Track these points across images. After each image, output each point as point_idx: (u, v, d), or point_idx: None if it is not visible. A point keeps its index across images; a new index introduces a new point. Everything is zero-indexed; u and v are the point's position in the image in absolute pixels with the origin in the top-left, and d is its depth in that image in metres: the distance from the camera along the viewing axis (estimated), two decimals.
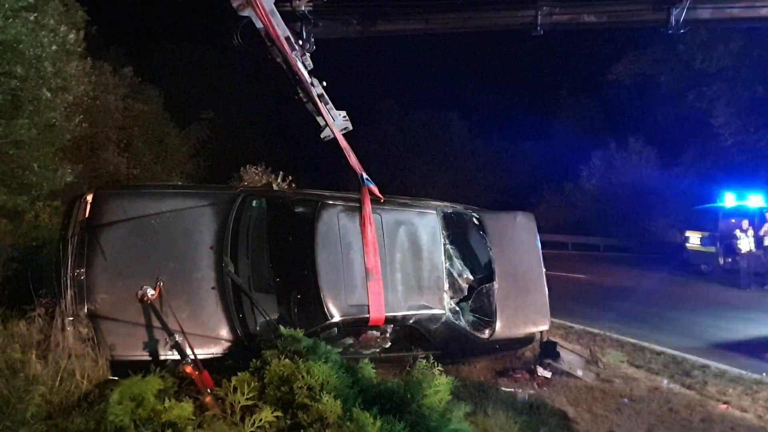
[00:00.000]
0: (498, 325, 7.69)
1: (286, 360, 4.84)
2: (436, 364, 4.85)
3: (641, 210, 31.83)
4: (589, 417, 6.84)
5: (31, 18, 8.85)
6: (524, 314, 8.06)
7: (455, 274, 7.93)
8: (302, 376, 4.64)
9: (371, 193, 7.28)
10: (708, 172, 29.13)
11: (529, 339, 8.36)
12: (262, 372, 4.85)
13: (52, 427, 4.54)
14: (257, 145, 37.54)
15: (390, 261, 7.10)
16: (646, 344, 10.21)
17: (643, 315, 13.07)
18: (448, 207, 8.25)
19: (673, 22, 5.25)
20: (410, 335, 7.51)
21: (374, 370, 5.27)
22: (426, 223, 7.60)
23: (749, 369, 8.90)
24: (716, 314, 13.22)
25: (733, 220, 18.93)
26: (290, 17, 5.82)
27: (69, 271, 6.05)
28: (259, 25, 5.62)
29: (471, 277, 8.18)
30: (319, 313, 6.60)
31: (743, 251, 17.50)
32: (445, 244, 7.74)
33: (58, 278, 6.07)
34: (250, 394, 4.50)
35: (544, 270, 8.40)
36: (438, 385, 4.55)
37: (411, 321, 7.14)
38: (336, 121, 6.84)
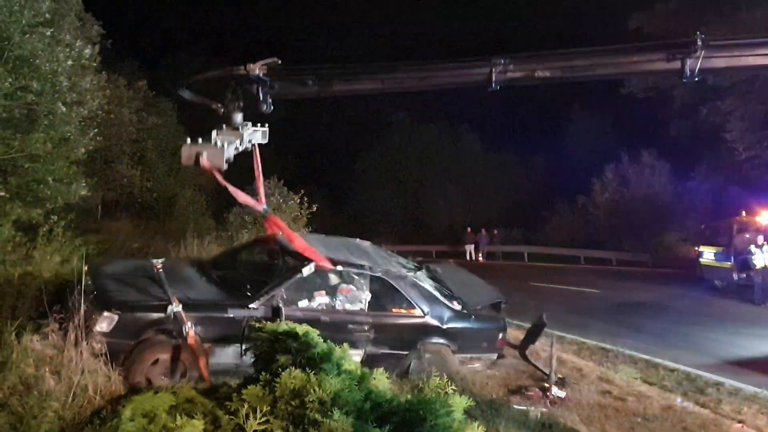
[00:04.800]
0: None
1: (298, 372, 4.81)
2: (449, 383, 4.82)
3: (654, 224, 31.68)
4: None
5: (48, 33, 8.94)
6: None
7: None
8: (314, 390, 4.62)
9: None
10: (722, 186, 28.98)
11: None
12: (273, 385, 4.83)
13: None
14: (268, 156, 37.66)
15: None
16: (659, 361, 10.14)
17: (657, 330, 12.98)
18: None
19: (688, 72, 5.26)
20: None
21: (388, 381, 5.26)
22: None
23: (765, 387, 8.82)
24: (730, 330, 13.12)
25: (747, 236, 18.80)
26: (246, 80, 5.91)
27: None
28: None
29: None
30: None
31: (758, 267, 17.36)
32: None
33: None
34: (263, 418, 4.48)
35: None
36: (452, 404, 4.52)
37: None
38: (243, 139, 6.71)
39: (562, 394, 7.81)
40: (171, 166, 23.15)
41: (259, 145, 6.69)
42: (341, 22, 64.54)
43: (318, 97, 6.50)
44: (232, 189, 6.43)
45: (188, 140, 5.93)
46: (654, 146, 34.80)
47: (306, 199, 16.94)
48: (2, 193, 8.89)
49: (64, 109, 9.36)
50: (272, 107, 6.07)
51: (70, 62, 9.51)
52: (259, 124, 6.44)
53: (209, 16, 70.45)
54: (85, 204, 13.91)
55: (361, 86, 6.34)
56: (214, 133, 5.92)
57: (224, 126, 6.01)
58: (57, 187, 9.63)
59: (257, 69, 5.81)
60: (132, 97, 20.90)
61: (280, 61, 5.92)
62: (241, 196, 6.79)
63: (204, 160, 5.69)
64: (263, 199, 7.39)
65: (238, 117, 6.04)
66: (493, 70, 5.59)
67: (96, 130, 11.42)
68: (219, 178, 6.00)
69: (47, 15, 8.96)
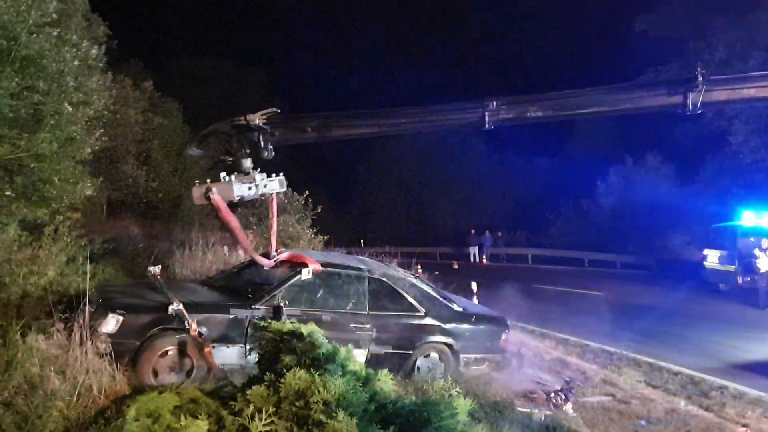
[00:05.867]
0: None
1: (302, 372, 4.82)
2: (453, 384, 4.83)
3: (658, 227, 31.59)
4: None
5: (54, 33, 8.94)
6: None
7: None
8: (318, 391, 4.62)
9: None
10: (726, 189, 28.89)
11: None
12: (277, 385, 4.84)
13: None
14: (274, 158, 37.68)
15: None
16: (663, 364, 10.11)
17: (661, 333, 12.95)
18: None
19: (690, 106, 5.30)
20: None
21: (393, 383, 5.28)
22: None
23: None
24: (734, 334, 13.08)
25: (752, 239, 18.75)
26: (246, 129, 6.07)
27: None
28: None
29: None
30: None
31: (762, 270, 17.30)
32: None
33: None
34: (268, 420, 4.49)
35: None
36: (456, 406, 4.53)
37: None
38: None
39: (573, 412, 7.66)
40: (176, 166, 23.18)
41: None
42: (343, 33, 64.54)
43: (316, 142, 6.71)
44: (238, 230, 6.57)
45: (197, 182, 6.20)
46: (658, 149, 34.75)
47: (311, 200, 16.94)
48: (8, 193, 8.90)
49: (70, 109, 9.36)
50: (273, 153, 6.24)
51: (76, 62, 9.52)
52: (274, 174, 6.54)
53: (215, 16, 70.57)
54: (90, 204, 13.94)
55: (359, 131, 6.51)
56: (223, 173, 6.15)
57: (235, 174, 6.17)
58: (63, 186, 9.64)
59: (257, 119, 5.99)
60: (138, 97, 20.92)
61: (279, 111, 6.08)
62: (244, 241, 7.04)
63: (214, 195, 5.92)
64: (274, 246, 7.60)
65: (247, 162, 6.20)
66: (486, 112, 5.68)
67: (102, 130, 11.42)
68: (228, 217, 6.17)
69: (54, 15, 8.97)
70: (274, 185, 6.46)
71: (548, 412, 7.29)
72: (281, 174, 6.51)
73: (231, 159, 6.19)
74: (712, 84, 5.25)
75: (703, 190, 31.41)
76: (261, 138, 6.07)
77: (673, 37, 28.87)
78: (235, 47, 57.71)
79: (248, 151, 6.16)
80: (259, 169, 6.26)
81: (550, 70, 46.61)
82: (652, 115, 33.76)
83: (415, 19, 66.32)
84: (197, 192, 6.03)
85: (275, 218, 7.26)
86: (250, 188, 6.13)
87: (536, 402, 7.72)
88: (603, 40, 41.52)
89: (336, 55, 64.95)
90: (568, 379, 8.57)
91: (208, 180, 6.10)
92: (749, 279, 18.35)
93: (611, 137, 40.66)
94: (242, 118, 6.00)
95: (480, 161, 47.20)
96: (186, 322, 6.71)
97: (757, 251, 17.55)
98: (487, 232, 35.71)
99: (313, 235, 16.02)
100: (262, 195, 6.40)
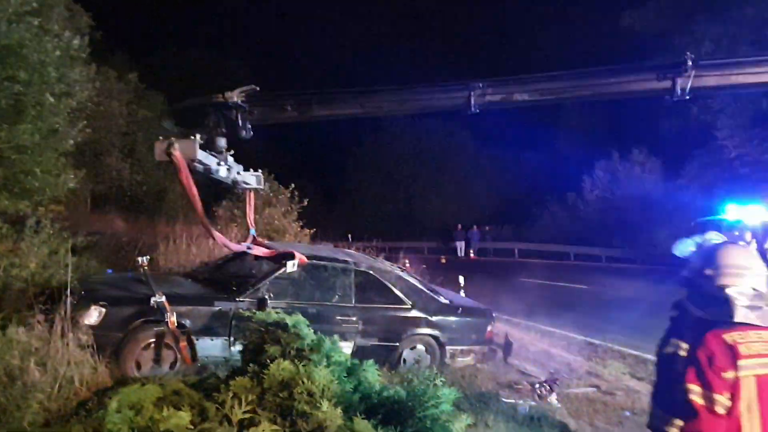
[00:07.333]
0: None
1: (287, 363, 4.79)
2: (438, 375, 4.81)
3: (644, 221, 31.73)
4: (590, 430, 6.80)
5: (35, 23, 8.83)
6: None
7: None
8: (302, 381, 4.59)
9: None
10: (712, 184, 29.06)
11: None
12: (261, 376, 4.81)
13: None
14: (258, 149, 37.55)
15: None
16: (648, 356, 10.13)
17: (646, 326, 12.89)
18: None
19: (679, 92, 5.23)
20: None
21: (378, 375, 5.25)
22: None
23: None
24: None
25: (735, 233, 18.83)
26: (224, 106, 5.85)
27: None
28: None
29: None
30: None
31: None
32: None
33: None
34: (249, 407, 4.45)
35: None
36: (441, 396, 4.51)
37: None
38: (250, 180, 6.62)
39: (558, 404, 7.67)
40: None
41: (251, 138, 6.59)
42: (331, 22, 64.32)
43: (298, 122, 6.50)
44: (196, 198, 6.17)
45: (161, 138, 5.80)
46: (644, 144, 34.89)
47: (297, 193, 16.87)
48: None
49: (52, 100, 9.27)
50: (252, 132, 6.02)
51: (58, 53, 9.42)
52: (251, 169, 6.41)
53: (201, 8, 70.13)
54: (74, 196, 13.81)
55: (341, 111, 6.31)
56: (193, 137, 5.70)
57: (207, 150, 5.90)
58: (45, 178, 9.55)
59: (235, 96, 5.79)
60: (122, 89, 20.76)
61: (258, 89, 5.90)
62: (201, 211, 6.17)
63: (176, 151, 5.45)
64: (252, 221, 7.22)
65: (221, 141, 5.94)
66: (472, 94, 5.58)
67: (85, 122, 11.32)
68: (188, 179, 5.57)
69: (35, 4, 8.85)
70: (251, 180, 6.33)
71: (533, 403, 7.30)
72: (260, 171, 6.38)
73: (205, 136, 5.99)
74: (702, 69, 5.21)
75: (689, 184, 31.58)
76: (239, 116, 5.87)
77: (659, 31, 28.94)
78: (221, 39, 57.41)
79: (224, 130, 5.95)
80: (232, 151, 6.04)
81: (535, 65, 46.60)
82: (638, 109, 34.04)
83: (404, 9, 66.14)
84: (159, 147, 5.54)
85: (252, 216, 7.07)
86: (219, 164, 5.86)
87: (521, 393, 7.74)
88: (589, 34, 41.54)
89: (323, 47, 64.79)
90: (553, 371, 8.60)
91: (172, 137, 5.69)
92: None
93: (597, 132, 40.81)
94: (220, 95, 5.81)
95: (467, 156, 47.29)
96: (165, 314, 6.63)
97: (740, 245, 17.64)
98: (474, 226, 35.80)
99: (299, 229, 15.97)
100: (234, 184, 6.24)
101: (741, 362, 2.44)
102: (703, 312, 2.74)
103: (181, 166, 5.44)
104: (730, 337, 2.51)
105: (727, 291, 2.64)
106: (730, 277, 2.66)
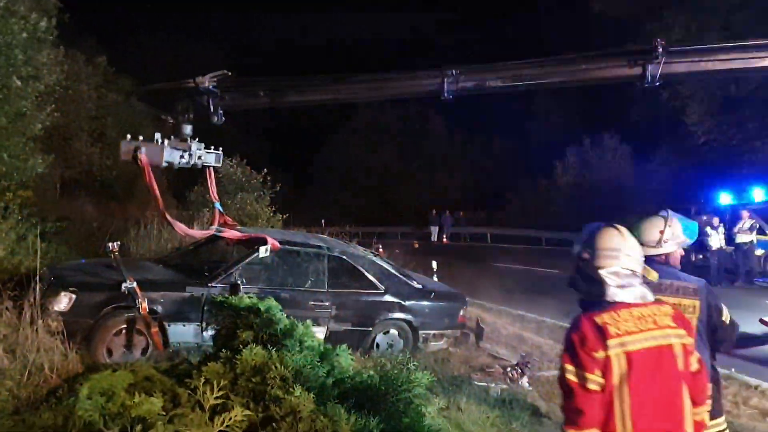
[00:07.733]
0: None
1: (259, 348, 4.78)
2: (411, 359, 4.84)
3: (616, 206, 32.01)
4: (561, 412, 6.87)
5: (1, 4, 8.68)
6: None
7: None
8: (275, 367, 4.59)
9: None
10: (681, 169, 29.45)
11: None
12: (233, 362, 4.80)
13: (19, 422, 4.45)
14: (231, 135, 37.32)
15: None
16: None
17: None
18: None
19: (649, 78, 5.27)
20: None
21: (351, 359, 5.27)
22: None
23: (718, 365, 8.99)
24: None
25: (704, 217, 19.15)
26: (195, 92, 5.78)
27: None
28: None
29: None
30: None
31: (714, 248, 17.73)
32: None
33: None
34: (221, 392, 4.44)
35: None
36: (414, 380, 4.54)
37: None
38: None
39: (528, 386, 7.76)
40: None
41: (225, 124, 6.51)
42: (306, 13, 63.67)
43: (270, 108, 6.45)
44: (159, 197, 6.14)
45: (128, 136, 5.73)
46: (615, 130, 35.19)
47: (269, 178, 16.79)
48: None
49: (19, 83, 9.13)
50: (224, 118, 5.97)
51: (25, 35, 9.27)
52: (213, 147, 6.27)
53: None
54: (42, 181, 13.61)
55: (314, 97, 6.34)
56: (157, 134, 5.72)
57: (172, 137, 5.82)
58: (13, 163, 9.42)
59: (207, 81, 5.71)
60: (91, 73, 20.45)
61: (230, 74, 5.84)
62: (163, 209, 6.46)
63: (142, 155, 5.50)
64: (215, 196, 7.03)
65: (187, 128, 5.87)
66: (446, 80, 5.59)
67: (53, 106, 11.17)
68: (151, 180, 5.71)
69: None
70: (210, 158, 6.19)
71: (504, 386, 7.39)
72: (220, 149, 6.31)
73: (172, 121, 5.92)
74: (672, 56, 5.26)
75: (659, 169, 32.00)
76: (211, 102, 5.82)
77: (630, 17, 29.13)
78: (194, 24, 56.63)
79: (191, 116, 5.90)
80: (197, 139, 5.96)
81: (507, 52, 46.72)
82: (610, 96, 34.34)
83: None
84: (125, 147, 5.60)
85: (214, 191, 6.92)
86: (182, 156, 5.80)
87: (493, 376, 7.82)
88: (560, 20, 41.71)
89: (298, 33, 64.23)
90: (524, 354, 8.69)
91: (140, 137, 5.67)
92: (702, 257, 18.77)
93: (570, 118, 41.07)
94: (191, 80, 5.73)
95: (441, 142, 47.32)
96: (137, 300, 6.60)
97: (708, 229, 17.94)
98: (447, 212, 35.92)
99: (272, 214, 15.90)
100: (194, 165, 6.11)
101: (610, 341, 2.60)
102: (584, 293, 2.95)
103: (146, 170, 5.52)
104: (600, 318, 2.68)
105: (600, 272, 2.82)
106: (604, 258, 2.84)
